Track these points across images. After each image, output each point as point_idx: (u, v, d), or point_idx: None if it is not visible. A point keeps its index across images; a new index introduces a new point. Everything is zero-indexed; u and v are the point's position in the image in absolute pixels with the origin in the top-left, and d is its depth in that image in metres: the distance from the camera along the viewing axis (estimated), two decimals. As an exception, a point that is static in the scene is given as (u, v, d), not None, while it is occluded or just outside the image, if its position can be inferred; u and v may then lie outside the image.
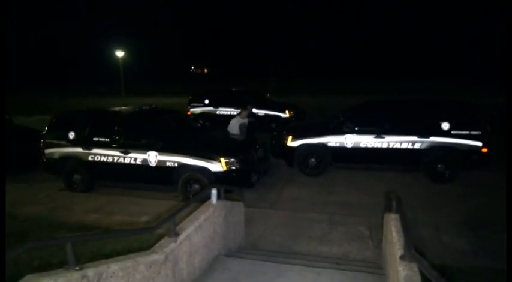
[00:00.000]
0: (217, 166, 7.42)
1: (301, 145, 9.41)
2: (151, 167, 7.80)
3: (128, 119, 8.50)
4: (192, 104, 16.76)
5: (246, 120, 9.84)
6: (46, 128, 9.06)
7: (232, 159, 7.48)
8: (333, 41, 76.43)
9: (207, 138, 8.99)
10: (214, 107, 16.27)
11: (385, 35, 72.36)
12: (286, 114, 15.49)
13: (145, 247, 3.92)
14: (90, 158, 8.32)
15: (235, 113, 15.97)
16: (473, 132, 8.45)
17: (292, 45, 75.31)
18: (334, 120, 9.90)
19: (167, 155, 7.68)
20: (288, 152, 9.55)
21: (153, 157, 7.76)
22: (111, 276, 2.90)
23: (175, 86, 53.08)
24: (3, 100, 7.32)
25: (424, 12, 71.26)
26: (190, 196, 7.45)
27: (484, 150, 8.39)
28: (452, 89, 34.18)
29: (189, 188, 7.64)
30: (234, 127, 9.59)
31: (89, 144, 8.33)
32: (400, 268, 3.13)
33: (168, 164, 7.67)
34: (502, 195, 7.44)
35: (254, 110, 15.77)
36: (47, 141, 8.88)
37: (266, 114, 15.58)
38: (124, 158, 8.02)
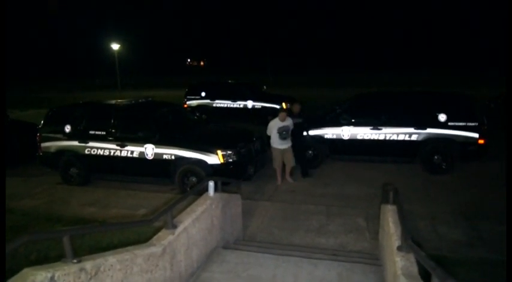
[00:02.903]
0: (214, 158, 7.42)
1: (298, 137, 9.40)
2: (148, 160, 7.78)
3: (124, 112, 8.47)
4: (188, 97, 16.73)
5: (287, 123, 8.15)
6: (42, 122, 9.02)
7: (229, 152, 7.49)
8: (330, 32, 76.08)
9: (204, 130, 8.96)
10: (210, 100, 16.24)
11: (383, 25, 72.12)
12: (283, 107, 15.45)
13: (142, 240, 3.93)
14: (86, 152, 8.30)
15: (232, 106, 16.07)
16: (469, 124, 8.45)
17: (289, 36, 75.00)
18: (331, 112, 9.89)
19: (164, 148, 7.67)
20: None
21: (149, 150, 7.75)
22: (109, 269, 2.90)
23: (172, 78, 52.85)
24: (3, 96, 7.27)
25: (423, 3, 70.95)
26: (188, 189, 7.44)
27: (481, 141, 8.40)
28: (450, 80, 34.19)
29: (186, 181, 7.65)
30: (271, 131, 8.16)
31: (85, 138, 8.30)
32: (397, 259, 3.16)
33: (165, 156, 7.66)
34: (498, 186, 7.52)
35: (250, 103, 15.77)
36: (43, 135, 8.84)
37: (263, 107, 15.57)
38: (121, 151, 8.00)
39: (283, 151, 8.18)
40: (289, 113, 8.45)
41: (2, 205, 5.36)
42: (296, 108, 8.81)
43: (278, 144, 8.12)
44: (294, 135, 8.41)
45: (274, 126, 8.10)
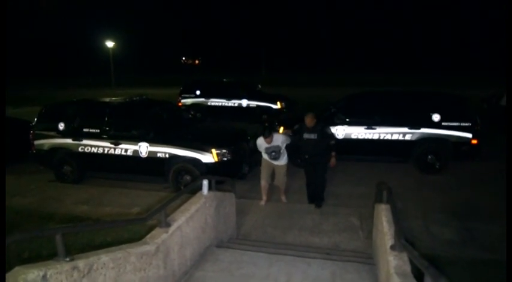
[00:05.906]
0: (208, 157, 7.40)
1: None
2: (142, 158, 7.75)
3: (118, 110, 8.44)
4: (183, 95, 16.69)
5: (275, 143, 6.70)
6: (35, 119, 8.96)
7: (224, 150, 7.47)
8: (326, 32, 76.06)
9: (198, 129, 8.94)
10: (205, 98, 16.22)
11: (379, 26, 72.21)
12: (278, 106, 15.48)
13: (136, 238, 3.91)
14: (80, 149, 8.25)
15: (226, 104, 16.04)
16: (463, 124, 8.49)
17: (284, 35, 74.91)
18: (325, 111, 9.89)
19: (158, 146, 7.64)
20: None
21: (144, 148, 7.72)
22: (101, 267, 2.88)
23: (166, 76, 52.67)
24: (3, 94, 7.24)
25: (417, 4, 71.09)
26: (182, 187, 7.42)
27: (474, 141, 8.45)
28: (443, 81, 34.33)
29: (180, 179, 7.63)
30: (260, 148, 6.94)
31: (79, 135, 8.26)
32: (391, 258, 3.17)
33: (159, 155, 7.63)
34: (491, 186, 7.58)
35: (245, 102, 15.74)
36: (36, 132, 8.78)
37: (258, 106, 15.57)
38: (114, 149, 7.97)
39: (273, 165, 7.05)
40: (298, 128, 7.03)
41: (2, 206, 5.31)
42: (310, 120, 6.70)
43: (268, 157, 6.95)
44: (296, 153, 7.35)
45: (260, 146, 6.87)
